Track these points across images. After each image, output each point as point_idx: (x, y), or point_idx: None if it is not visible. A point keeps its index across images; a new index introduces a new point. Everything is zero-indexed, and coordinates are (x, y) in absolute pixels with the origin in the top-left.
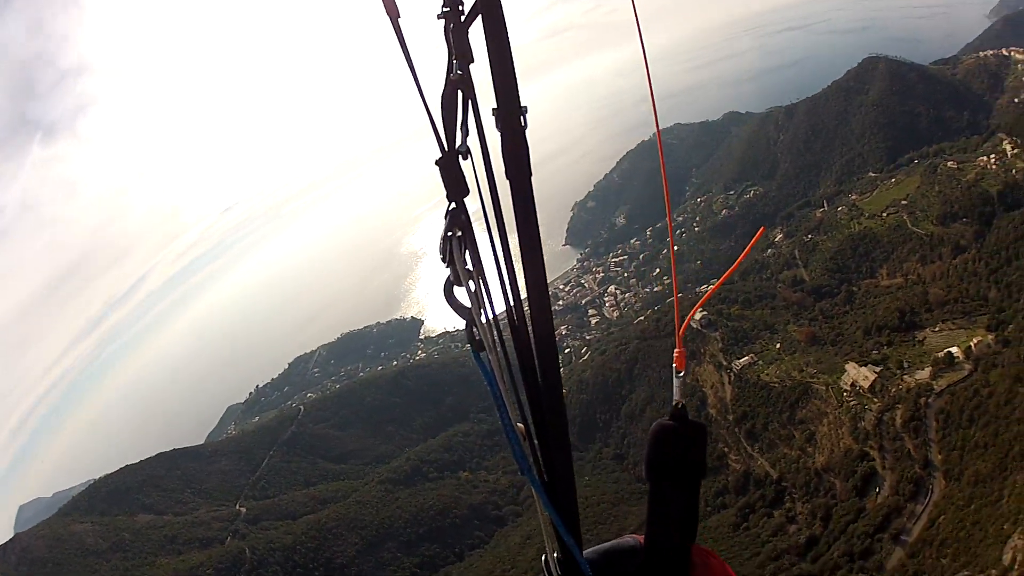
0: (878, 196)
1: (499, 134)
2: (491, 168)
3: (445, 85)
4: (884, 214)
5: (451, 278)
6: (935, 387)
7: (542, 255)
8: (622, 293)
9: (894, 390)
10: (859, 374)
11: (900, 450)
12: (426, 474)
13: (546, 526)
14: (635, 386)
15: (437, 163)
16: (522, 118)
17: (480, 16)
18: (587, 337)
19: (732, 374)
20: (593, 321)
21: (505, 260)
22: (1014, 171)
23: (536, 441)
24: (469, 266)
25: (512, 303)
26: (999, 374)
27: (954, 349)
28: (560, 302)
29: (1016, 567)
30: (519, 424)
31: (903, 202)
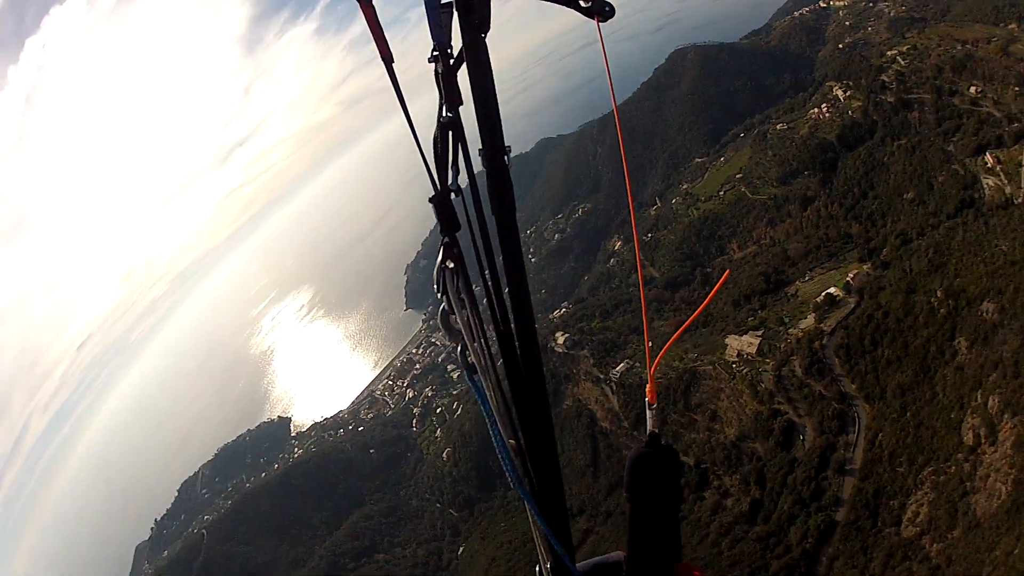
0: (710, 178)
1: (485, 172)
2: (480, 204)
3: (436, 127)
4: (721, 193)
5: (445, 307)
6: (825, 328)
7: (527, 283)
8: (475, 343)
9: (783, 345)
10: (742, 343)
11: (810, 395)
12: (345, 566)
13: (538, 537)
14: None
15: (431, 200)
16: (506, 157)
17: (465, 62)
18: (454, 392)
19: (612, 384)
20: (455, 376)
21: (494, 288)
22: (850, 112)
23: (526, 456)
24: (462, 295)
25: (501, 327)
26: (889, 293)
27: (832, 290)
28: (417, 366)
29: (983, 441)
30: (510, 440)
31: (738, 176)
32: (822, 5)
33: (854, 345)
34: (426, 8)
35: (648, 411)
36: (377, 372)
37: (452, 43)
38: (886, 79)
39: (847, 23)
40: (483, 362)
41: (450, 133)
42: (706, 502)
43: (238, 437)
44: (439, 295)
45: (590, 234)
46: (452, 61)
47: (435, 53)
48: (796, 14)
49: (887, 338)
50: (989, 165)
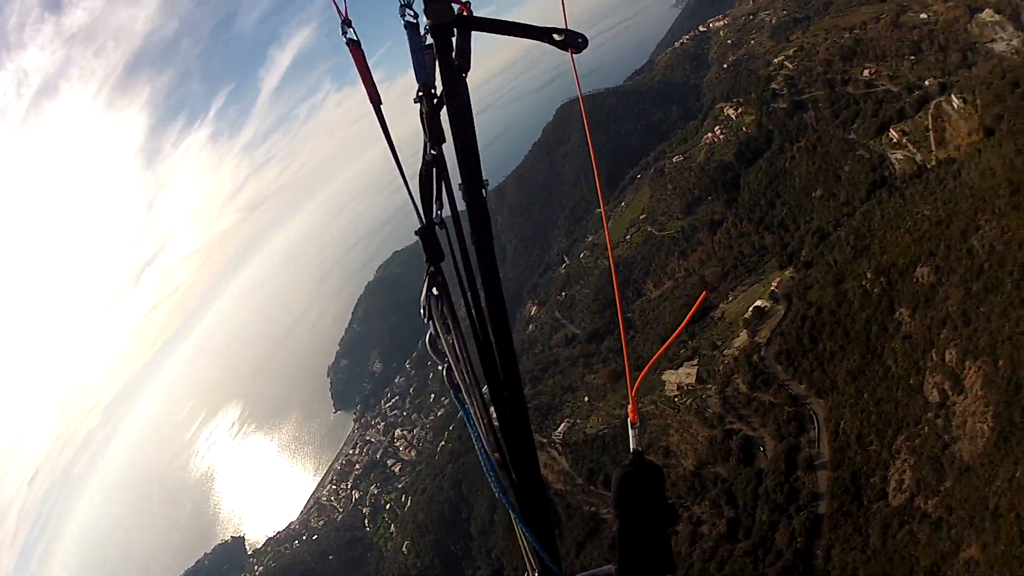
0: (614, 225)
1: (465, 205)
2: (462, 235)
3: (422, 165)
4: (627, 237)
5: (432, 332)
6: (760, 341)
7: (506, 307)
8: (410, 432)
9: (722, 367)
10: (679, 376)
11: (761, 407)
12: None
13: (524, 546)
14: (473, 503)
15: (417, 233)
16: (483, 191)
17: (447, 103)
18: (399, 486)
19: (557, 446)
20: (396, 469)
21: (476, 312)
22: (744, 128)
23: (510, 469)
24: (447, 320)
25: (483, 348)
26: (818, 289)
27: (758, 303)
28: (357, 467)
29: (949, 394)
30: (495, 454)
31: (642, 217)
32: (701, 29)
33: (793, 348)
34: (410, 50)
35: (631, 431)
36: (319, 479)
37: (435, 83)
38: (776, 87)
39: (728, 42)
40: (467, 381)
41: (434, 170)
42: (681, 534)
43: (196, 563)
44: (426, 321)
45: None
46: (435, 101)
47: (420, 93)
48: (677, 44)
49: (825, 332)
50: (895, 140)
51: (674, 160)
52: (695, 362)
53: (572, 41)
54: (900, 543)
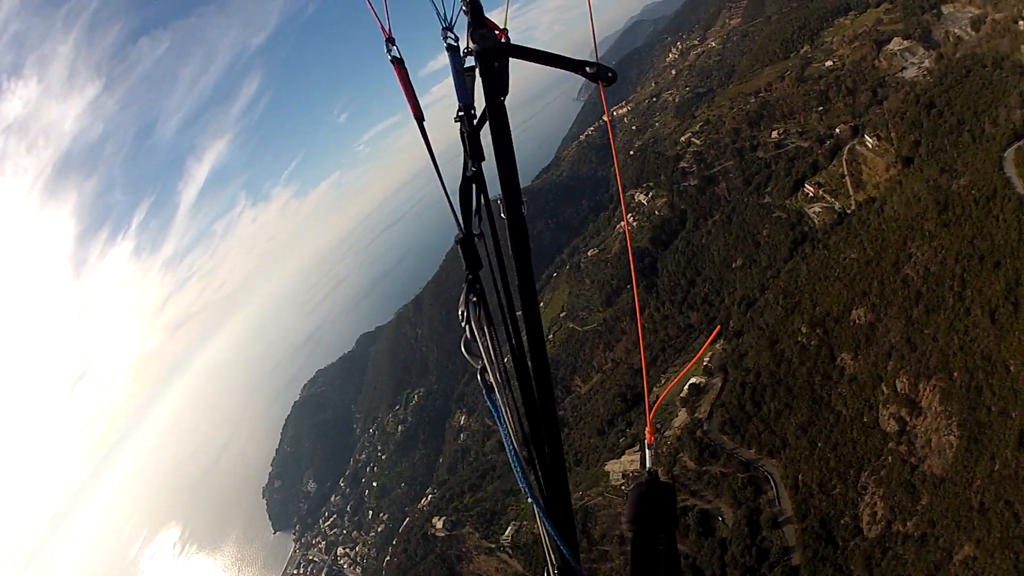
0: None
1: (505, 219)
2: (499, 246)
3: (462, 180)
4: (550, 336)
5: (467, 335)
6: (701, 416)
7: (540, 314)
8: (352, 549)
9: (665, 448)
10: (623, 464)
11: (712, 479)
12: None
13: (547, 541)
14: None
15: (457, 241)
16: (522, 206)
17: (488, 122)
18: None
19: (507, 549)
20: None
21: (511, 318)
22: (657, 211)
23: (537, 466)
24: (483, 325)
25: (516, 352)
26: (753, 354)
27: (693, 380)
28: None
29: (907, 420)
30: (523, 452)
31: (562, 315)
32: (605, 119)
33: (736, 416)
34: (452, 72)
35: (648, 451)
36: None
37: (475, 104)
38: (685, 165)
39: (633, 127)
40: (500, 382)
41: (473, 185)
42: None
43: None
44: (463, 324)
45: (431, 417)
46: (476, 121)
47: (460, 113)
48: (582, 137)
49: (767, 394)
50: (811, 194)
51: (589, 254)
52: (637, 448)
53: (603, 75)
54: (887, 569)
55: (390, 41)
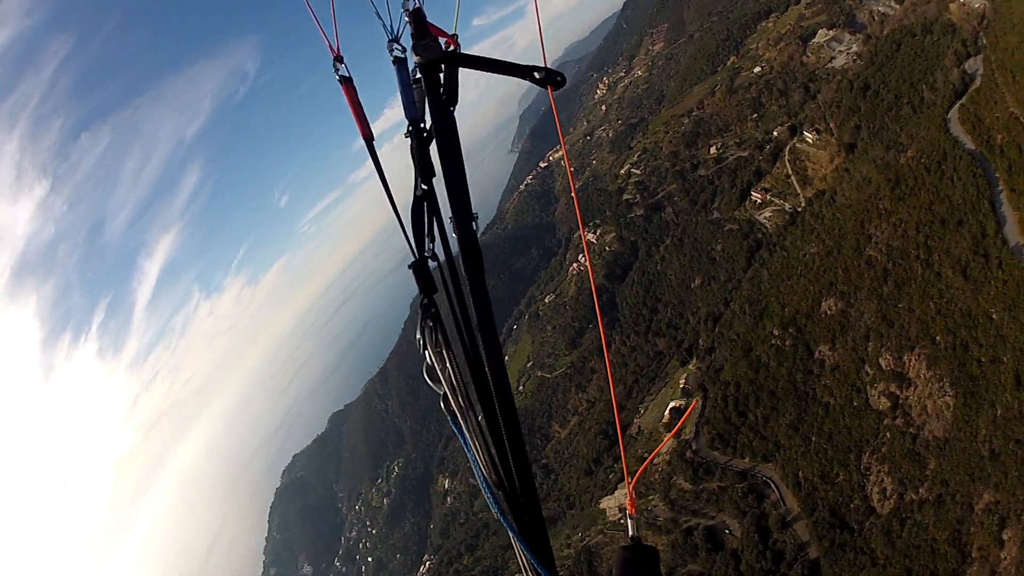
0: None
1: (456, 237)
2: (453, 267)
3: (413, 200)
4: (520, 388)
5: (427, 362)
6: (687, 437)
7: (498, 335)
8: None
9: (658, 475)
10: (616, 499)
11: (711, 495)
12: None
13: (523, 563)
14: None
15: (410, 267)
16: (474, 222)
17: (436, 137)
18: None
19: None
20: None
21: (469, 340)
22: (607, 247)
23: (507, 489)
24: (441, 350)
25: (477, 374)
26: (729, 367)
27: (672, 404)
28: None
29: (898, 394)
30: (492, 475)
31: (529, 365)
32: (542, 166)
33: (724, 430)
34: (399, 87)
35: (629, 520)
36: None
37: (425, 119)
38: (629, 197)
39: (572, 169)
40: (463, 407)
41: (425, 204)
42: None
43: None
44: (421, 351)
45: (415, 485)
46: (424, 135)
47: (410, 129)
48: (522, 187)
49: (751, 402)
50: (759, 201)
51: (546, 301)
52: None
53: (551, 79)
54: (908, 538)
55: (338, 60)
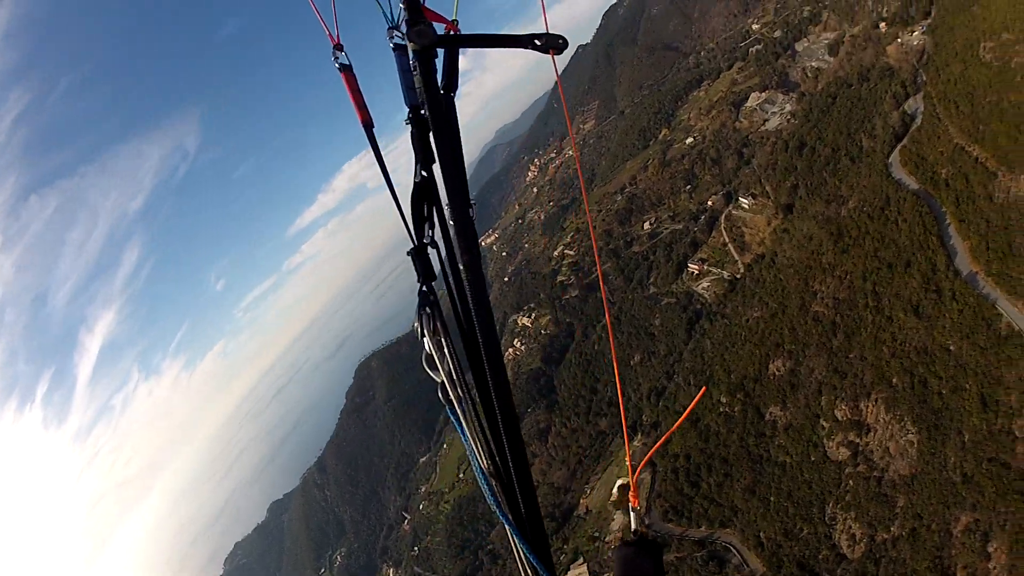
0: (444, 468)
1: (452, 223)
2: (452, 254)
3: (413, 187)
4: (461, 475)
5: (426, 350)
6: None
7: (494, 321)
8: None
9: (610, 553)
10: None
11: (669, 568)
12: None
13: (520, 557)
14: None
15: (409, 253)
16: (471, 210)
17: (432, 124)
18: None
19: None
20: None
21: (467, 328)
22: (543, 330)
23: (503, 479)
24: (440, 337)
25: (474, 362)
26: (678, 440)
27: (620, 482)
28: None
29: (858, 441)
30: (489, 467)
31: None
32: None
33: (677, 502)
34: (399, 72)
35: (632, 513)
36: None
37: (424, 105)
38: (563, 279)
39: (504, 254)
40: (460, 396)
41: (424, 191)
42: None
43: None
44: (420, 338)
45: (359, 575)
46: (424, 122)
47: (410, 116)
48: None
49: (703, 471)
50: (696, 272)
51: None
52: (581, 561)
53: (553, 44)
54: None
55: (338, 48)
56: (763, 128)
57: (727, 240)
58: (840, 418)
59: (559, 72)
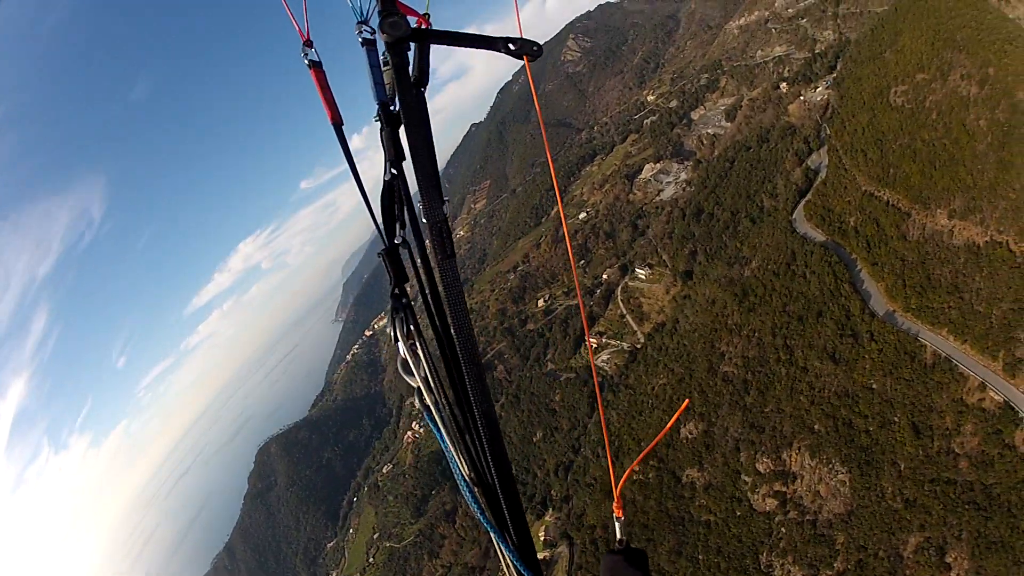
0: (353, 552)
1: (426, 222)
2: (425, 254)
3: (383, 185)
4: (370, 559)
5: (401, 355)
6: (622, 524)
7: (471, 322)
8: None
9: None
10: None
11: None
12: None
13: (504, 562)
14: None
15: (379, 255)
16: (445, 205)
17: (404, 119)
18: None
19: None
20: None
21: (443, 330)
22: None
23: (486, 485)
24: (414, 341)
25: (451, 364)
26: (592, 511)
27: (539, 556)
28: None
29: (785, 490)
30: (470, 473)
31: (376, 536)
32: (367, 334)
33: (598, 572)
34: (368, 67)
35: (616, 523)
36: None
37: (394, 101)
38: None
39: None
40: (438, 401)
41: (394, 189)
42: None
43: None
44: (394, 343)
45: None
46: (394, 118)
47: (380, 112)
48: (348, 358)
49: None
50: (595, 346)
51: (384, 471)
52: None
53: (527, 50)
54: None
55: (307, 44)
56: (658, 198)
57: (624, 312)
58: (763, 471)
59: (533, 82)
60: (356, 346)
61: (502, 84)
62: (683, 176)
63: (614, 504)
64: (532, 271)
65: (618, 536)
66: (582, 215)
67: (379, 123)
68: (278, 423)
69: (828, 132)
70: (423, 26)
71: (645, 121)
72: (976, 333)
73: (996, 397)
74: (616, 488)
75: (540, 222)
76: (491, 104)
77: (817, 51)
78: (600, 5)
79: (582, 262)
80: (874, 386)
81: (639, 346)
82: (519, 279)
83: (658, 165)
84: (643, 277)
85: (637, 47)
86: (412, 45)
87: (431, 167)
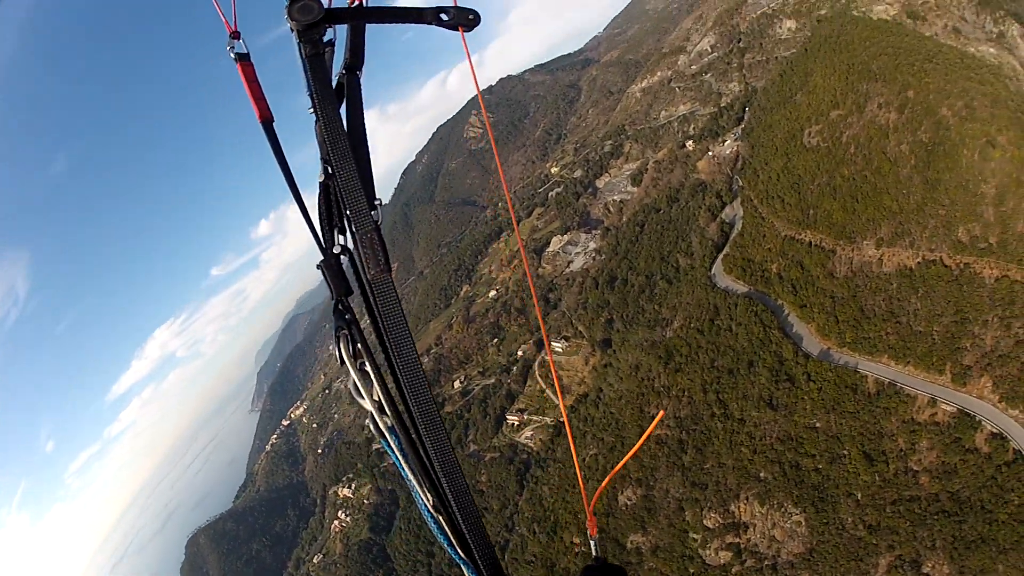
0: None
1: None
2: (363, 265)
3: (319, 187)
4: None
5: (352, 377)
6: (596, 542)
7: (414, 343)
8: None
9: None
10: None
11: None
12: None
13: None
14: None
15: (319, 266)
16: (375, 211)
17: (322, 113)
18: None
19: None
20: None
21: (390, 346)
22: (367, 500)
23: (447, 512)
24: (363, 360)
25: (397, 383)
26: None
27: None
28: None
29: (738, 539)
30: (429, 498)
31: None
32: (285, 423)
33: None
34: (300, 58)
35: (591, 541)
36: None
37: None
38: (378, 446)
39: (315, 425)
40: (389, 425)
41: (330, 190)
42: None
43: None
44: (340, 364)
45: None
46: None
47: (312, 108)
48: (268, 448)
49: None
50: (516, 423)
51: (315, 561)
52: None
53: (463, 19)
54: None
55: (234, 36)
56: (568, 270)
57: (544, 387)
58: (711, 525)
59: (472, 60)
60: (275, 436)
61: (405, 165)
62: (592, 245)
63: (588, 522)
64: (445, 353)
65: (594, 553)
66: (492, 293)
67: (313, 115)
68: (205, 513)
69: (740, 183)
70: (355, 4)
71: (550, 193)
72: (919, 353)
73: (948, 408)
74: (589, 507)
75: (450, 303)
76: (395, 185)
77: (723, 104)
78: (501, 79)
79: (495, 340)
80: (818, 425)
81: (562, 420)
82: (433, 362)
83: (566, 236)
84: (560, 350)
85: (539, 119)
86: (345, 26)
87: (363, 161)
